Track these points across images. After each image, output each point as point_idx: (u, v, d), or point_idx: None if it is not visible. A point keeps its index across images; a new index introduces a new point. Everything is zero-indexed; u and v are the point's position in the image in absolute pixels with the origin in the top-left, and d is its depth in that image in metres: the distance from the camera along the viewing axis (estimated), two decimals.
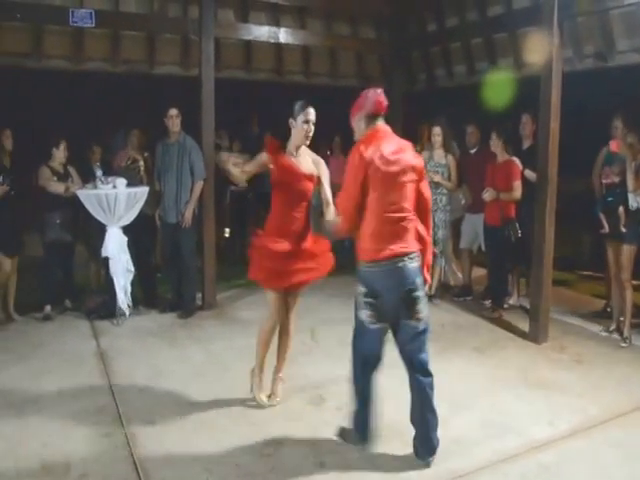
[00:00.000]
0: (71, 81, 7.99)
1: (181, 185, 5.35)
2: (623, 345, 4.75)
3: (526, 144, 5.68)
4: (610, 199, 4.94)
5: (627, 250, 4.71)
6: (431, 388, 2.99)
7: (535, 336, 4.85)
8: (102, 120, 7.27)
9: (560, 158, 4.81)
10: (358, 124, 3.02)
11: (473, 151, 6.12)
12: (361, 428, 3.11)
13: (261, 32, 6.04)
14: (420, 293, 2.93)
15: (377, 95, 2.97)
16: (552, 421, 3.48)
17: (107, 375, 4.10)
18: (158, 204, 5.52)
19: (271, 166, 3.45)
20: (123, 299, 5.19)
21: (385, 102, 2.99)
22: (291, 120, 3.41)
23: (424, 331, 2.97)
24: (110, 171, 5.44)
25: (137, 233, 5.41)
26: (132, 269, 5.25)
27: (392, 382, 3.18)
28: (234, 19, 6.59)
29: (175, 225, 5.39)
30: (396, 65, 7.05)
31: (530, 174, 5.31)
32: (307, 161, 3.50)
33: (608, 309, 5.39)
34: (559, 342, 4.84)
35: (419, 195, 3.01)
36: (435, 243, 5.41)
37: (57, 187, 5.21)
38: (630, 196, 4.65)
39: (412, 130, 6.32)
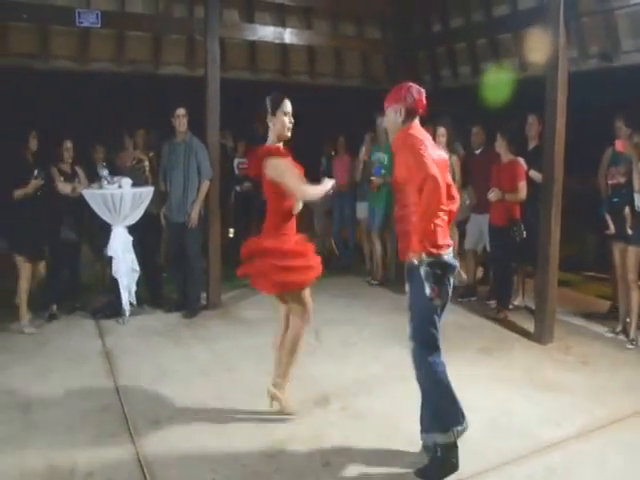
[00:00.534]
0: (76, 81, 8.00)
1: (188, 184, 5.36)
2: (629, 347, 4.72)
3: (532, 145, 5.67)
4: (616, 200, 4.90)
5: (633, 252, 4.68)
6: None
7: (540, 337, 4.84)
8: (106, 120, 7.27)
9: (565, 158, 4.78)
10: (394, 116, 2.92)
11: (478, 151, 6.11)
12: (461, 417, 2.94)
13: (266, 32, 6.06)
14: None
15: (421, 94, 2.92)
16: (558, 423, 3.47)
17: (112, 374, 4.12)
18: (164, 203, 5.54)
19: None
20: (127, 298, 5.22)
21: (425, 105, 2.94)
22: (269, 116, 3.34)
23: None
24: (115, 170, 5.46)
25: (143, 233, 5.43)
26: (137, 269, 5.27)
27: (393, 382, 3.17)
28: (239, 19, 6.61)
29: (181, 225, 5.40)
30: (401, 65, 7.02)
31: (535, 175, 5.30)
32: None
33: (614, 310, 5.36)
34: (564, 343, 4.82)
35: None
36: None
37: (64, 187, 5.22)
38: (636, 197, 4.61)
39: None
